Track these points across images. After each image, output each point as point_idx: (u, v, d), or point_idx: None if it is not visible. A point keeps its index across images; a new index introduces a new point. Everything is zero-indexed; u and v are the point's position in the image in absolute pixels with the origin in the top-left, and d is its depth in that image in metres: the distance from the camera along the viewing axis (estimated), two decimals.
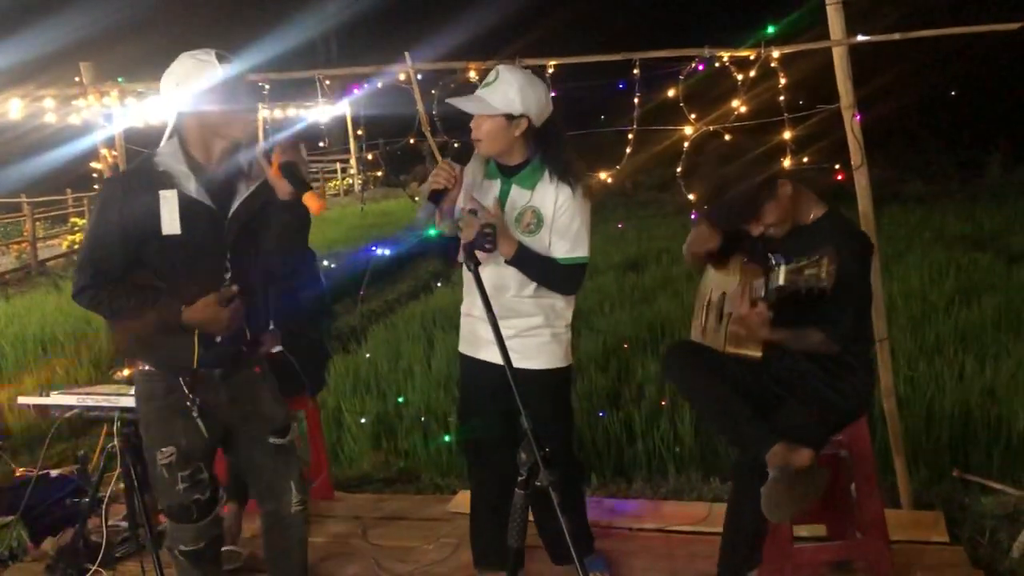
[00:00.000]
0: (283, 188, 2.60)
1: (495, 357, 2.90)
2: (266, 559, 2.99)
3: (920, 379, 5.34)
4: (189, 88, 2.48)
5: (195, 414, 2.64)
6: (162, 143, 2.59)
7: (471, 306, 3.09)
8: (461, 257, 2.49)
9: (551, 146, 2.87)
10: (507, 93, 2.76)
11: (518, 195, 2.89)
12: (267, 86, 3.83)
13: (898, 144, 20.29)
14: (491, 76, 2.81)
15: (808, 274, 2.46)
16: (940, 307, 7.36)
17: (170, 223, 2.50)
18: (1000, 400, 4.94)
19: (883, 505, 3.09)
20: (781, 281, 2.53)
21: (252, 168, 2.65)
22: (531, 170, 2.88)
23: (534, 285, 2.93)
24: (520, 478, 2.08)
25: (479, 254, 2.59)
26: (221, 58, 2.49)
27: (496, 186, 2.94)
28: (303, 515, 2.88)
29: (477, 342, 3.07)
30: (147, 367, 2.68)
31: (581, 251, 2.89)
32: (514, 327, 2.91)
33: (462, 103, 2.83)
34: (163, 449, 2.65)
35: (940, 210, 13.76)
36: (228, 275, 2.62)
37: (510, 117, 2.78)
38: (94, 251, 2.55)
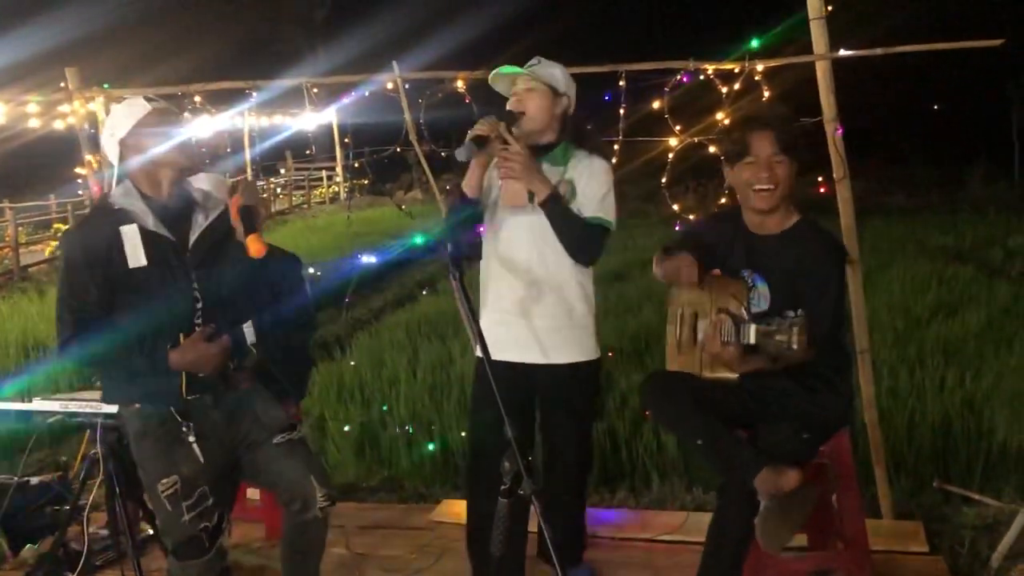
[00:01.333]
0: (240, 231, 2.64)
1: (514, 356, 2.98)
2: (283, 561, 2.94)
3: (902, 390, 5.38)
4: (125, 129, 2.59)
5: (191, 439, 2.63)
6: (113, 189, 2.66)
7: (487, 310, 3.11)
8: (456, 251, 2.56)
9: (583, 129, 3.03)
10: (553, 72, 2.96)
11: (550, 171, 2.96)
12: (254, 93, 3.83)
13: (880, 157, 20.47)
14: (532, 61, 2.98)
15: (778, 340, 2.49)
16: (922, 319, 7.41)
17: (135, 256, 2.57)
18: (981, 412, 4.98)
19: (864, 515, 3.11)
20: (752, 340, 2.58)
21: (208, 200, 2.71)
22: (563, 148, 3.01)
23: (575, 270, 3.00)
24: (503, 487, 2.09)
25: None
26: (150, 100, 2.64)
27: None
28: (328, 513, 2.78)
29: (495, 344, 3.07)
30: (136, 404, 2.67)
31: (610, 216, 2.98)
32: (540, 315, 2.97)
33: (507, 73, 2.97)
34: (163, 480, 2.60)
35: (922, 223, 13.88)
36: (199, 305, 2.65)
37: (555, 93, 2.94)
38: (70, 300, 2.59)
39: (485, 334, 3.10)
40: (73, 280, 2.58)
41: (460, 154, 2.84)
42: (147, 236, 2.58)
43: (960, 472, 4.47)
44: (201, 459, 2.64)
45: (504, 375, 2.96)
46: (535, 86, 2.92)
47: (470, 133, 2.83)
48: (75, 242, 2.61)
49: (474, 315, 2.30)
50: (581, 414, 3.14)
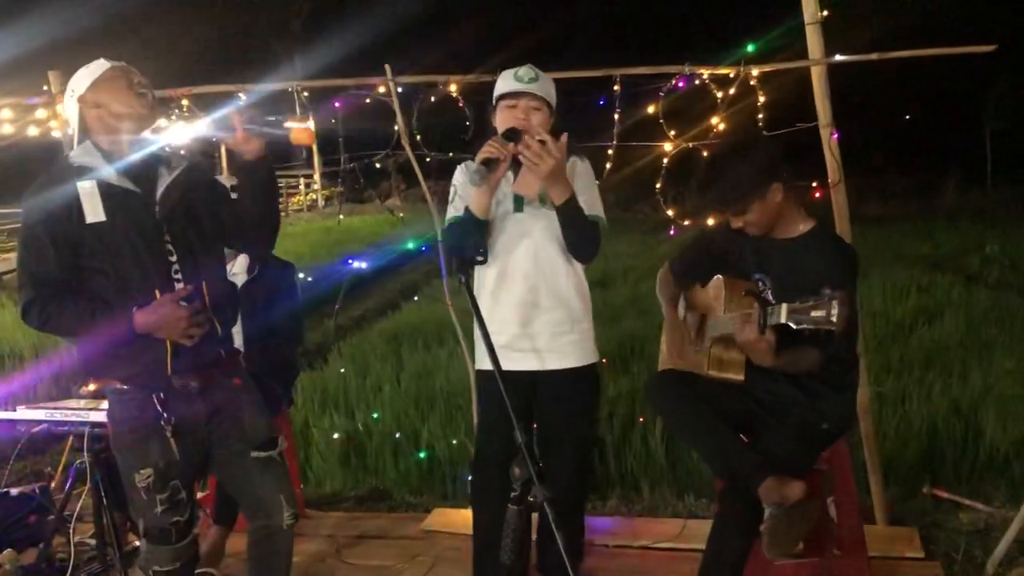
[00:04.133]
0: (252, 147, 2.58)
1: (514, 365, 2.94)
2: (249, 573, 2.89)
3: (888, 396, 5.40)
4: (84, 87, 2.55)
5: (168, 434, 2.57)
6: (74, 149, 2.59)
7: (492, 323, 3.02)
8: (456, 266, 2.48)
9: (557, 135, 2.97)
10: (550, 89, 2.99)
11: (530, 175, 2.93)
12: (243, 96, 3.78)
13: (854, 165, 20.60)
14: (530, 72, 2.96)
15: (815, 316, 2.38)
16: (904, 326, 7.47)
17: (93, 211, 2.48)
18: (967, 417, 5.00)
19: (862, 522, 3.10)
20: (783, 319, 2.47)
21: (175, 154, 2.67)
22: None
23: (574, 276, 3.01)
24: (513, 493, 2.05)
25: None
26: (108, 60, 2.60)
27: (508, 175, 3.00)
28: (293, 531, 2.80)
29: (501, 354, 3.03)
30: (119, 385, 2.60)
31: (600, 212, 3.03)
32: (541, 323, 2.97)
33: (523, 86, 2.94)
34: (141, 471, 2.57)
35: (899, 231, 14.02)
36: (174, 258, 2.57)
37: (551, 110, 2.96)
38: (30, 264, 2.52)
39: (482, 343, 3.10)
40: (31, 243, 2.50)
41: (475, 179, 2.80)
42: (109, 190, 2.51)
43: (949, 478, 4.48)
44: (176, 455, 2.59)
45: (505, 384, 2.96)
46: (539, 105, 2.94)
47: (480, 156, 2.80)
48: (33, 203, 2.51)
49: (482, 321, 2.25)
50: (582, 420, 3.12)
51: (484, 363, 3.13)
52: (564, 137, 2.84)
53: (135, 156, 2.58)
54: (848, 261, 2.76)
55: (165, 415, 2.57)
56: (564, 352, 3.00)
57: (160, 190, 2.58)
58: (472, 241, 2.93)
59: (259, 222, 2.73)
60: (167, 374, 2.58)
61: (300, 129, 2.54)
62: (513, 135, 2.82)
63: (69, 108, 2.61)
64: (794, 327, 2.44)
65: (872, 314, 7.80)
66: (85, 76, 2.58)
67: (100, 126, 2.57)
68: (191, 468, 2.69)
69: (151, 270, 2.54)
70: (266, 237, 2.83)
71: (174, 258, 2.58)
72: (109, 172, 2.52)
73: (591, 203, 2.98)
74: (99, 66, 2.58)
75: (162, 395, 2.57)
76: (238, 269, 3.61)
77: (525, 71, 2.97)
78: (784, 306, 2.47)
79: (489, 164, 2.78)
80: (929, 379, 5.76)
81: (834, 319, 2.34)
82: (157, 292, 2.53)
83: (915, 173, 21.89)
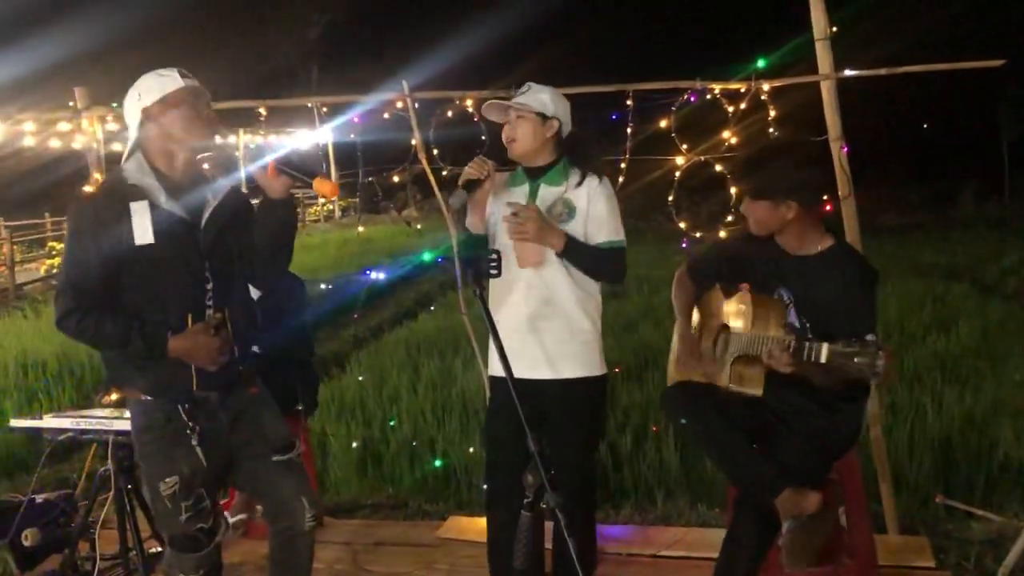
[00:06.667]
0: (278, 187, 2.62)
1: (523, 372, 2.93)
2: None
3: (901, 406, 5.42)
4: (152, 99, 2.54)
5: (195, 442, 2.61)
6: (124, 159, 2.61)
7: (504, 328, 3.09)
8: (469, 279, 2.52)
9: (580, 149, 3.08)
10: (540, 97, 3.02)
11: (547, 192, 3.05)
12: (263, 111, 3.86)
13: (870, 176, 20.62)
14: (523, 88, 3.06)
15: (860, 362, 2.39)
16: (918, 336, 7.48)
17: (142, 234, 2.50)
18: (981, 428, 5.02)
19: (873, 531, 3.12)
20: (823, 359, 2.48)
21: (217, 177, 2.68)
22: (559, 169, 3.07)
23: (577, 289, 3.03)
24: (526, 500, 2.10)
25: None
26: (183, 75, 2.58)
27: (524, 189, 3.09)
28: (314, 534, 2.82)
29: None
30: (143, 396, 2.64)
31: (620, 235, 3.05)
32: (547, 332, 3.01)
33: (497, 106, 3.06)
34: (166, 480, 2.59)
35: (914, 241, 14.02)
36: (209, 286, 2.61)
37: (543, 117, 3.00)
38: (72, 274, 2.54)
39: (493, 350, 3.16)
40: (78, 253, 2.52)
41: (455, 202, 2.92)
42: (159, 215, 2.52)
43: (961, 488, 4.49)
44: (204, 462, 2.62)
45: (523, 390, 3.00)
46: (524, 113, 3.01)
47: (461, 178, 2.91)
48: (83, 214, 2.53)
49: (496, 332, 2.31)
50: (587, 428, 3.14)
51: (495, 369, 3.19)
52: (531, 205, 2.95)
53: (186, 180, 2.60)
54: (867, 280, 2.77)
55: (191, 424, 2.61)
56: (568, 361, 3.03)
57: (205, 216, 2.60)
58: (482, 254, 3.01)
59: (266, 257, 2.76)
60: (192, 390, 2.62)
61: (323, 180, 2.57)
62: (470, 186, 2.94)
63: (131, 112, 2.58)
64: (834, 366, 2.46)
65: (887, 324, 7.81)
66: (157, 87, 2.54)
67: (158, 145, 2.58)
68: (214, 476, 2.72)
69: (188, 297, 2.59)
70: (268, 272, 2.85)
71: (210, 286, 2.62)
72: (159, 195, 2.53)
73: (605, 229, 3.02)
74: (173, 80, 2.55)
75: (187, 405, 2.62)
76: None
77: (524, 87, 3.07)
78: (826, 346, 2.47)
79: (470, 186, 2.90)
80: (943, 389, 5.77)
81: (879, 370, 2.36)
82: (189, 317, 2.58)
83: (931, 183, 21.83)
